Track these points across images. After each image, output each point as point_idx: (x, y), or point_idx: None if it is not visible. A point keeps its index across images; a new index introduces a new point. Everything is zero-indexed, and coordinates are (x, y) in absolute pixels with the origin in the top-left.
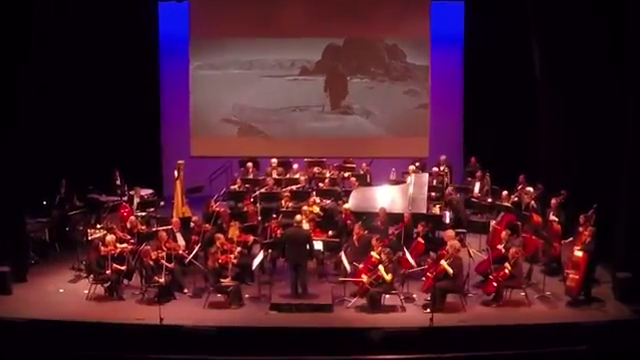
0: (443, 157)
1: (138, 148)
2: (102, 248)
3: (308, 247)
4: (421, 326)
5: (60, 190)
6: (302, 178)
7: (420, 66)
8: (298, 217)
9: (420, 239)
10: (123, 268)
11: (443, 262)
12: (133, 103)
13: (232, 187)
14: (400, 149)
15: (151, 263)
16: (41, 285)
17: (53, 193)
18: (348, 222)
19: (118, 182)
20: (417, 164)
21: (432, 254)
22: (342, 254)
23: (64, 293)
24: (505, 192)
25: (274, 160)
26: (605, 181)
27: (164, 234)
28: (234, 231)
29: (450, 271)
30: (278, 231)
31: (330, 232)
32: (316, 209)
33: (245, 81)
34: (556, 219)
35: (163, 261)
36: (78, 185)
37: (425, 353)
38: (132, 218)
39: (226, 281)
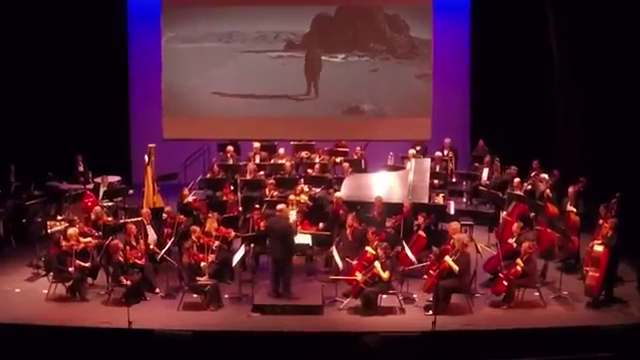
0: (447, 140)
1: (104, 130)
2: (63, 243)
3: (289, 241)
4: (422, 330)
5: (9, 178)
6: (288, 163)
7: (425, 40)
8: (280, 206)
9: (421, 232)
10: (87, 265)
11: (447, 258)
12: (98, 80)
13: (209, 174)
14: (399, 131)
15: (120, 259)
16: None
17: (6, 181)
18: (340, 213)
19: (81, 168)
20: (418, 148)
21: (435, 249)
22: (333, 249)
23: (20, 293)
24: (517, 179)
25: (256, 144)
26: (629, 167)
27: (133, 227)
28: (212, 223)
29: (455, 268)
30: (261, 223)
31: (320, 224)
32: (304, 198)
33: (224, 55)
34: (574, 209)
35: (132, 257)
36: (36, 172)
37: None
38: (97, 209)
39: (203, 279)
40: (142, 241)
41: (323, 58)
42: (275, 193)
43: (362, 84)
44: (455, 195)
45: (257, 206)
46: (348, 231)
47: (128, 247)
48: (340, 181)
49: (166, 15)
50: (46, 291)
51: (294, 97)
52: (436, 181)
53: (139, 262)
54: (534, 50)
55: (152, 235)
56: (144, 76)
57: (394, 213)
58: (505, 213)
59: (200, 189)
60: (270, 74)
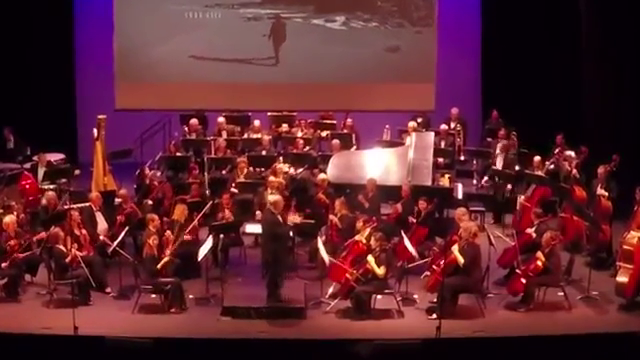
0: (455, 110)
1: (44, 99)
2: None
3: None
4: (424, 337)
5: None
6: (265, 138)
7: None
8: (274, 198)
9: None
10: (22, 255)
11: (454, 248)
12: (37, 39)
13: (171, 150)
14: (397, 100)
15: (64, 250)
16: None
17: None
18: (321, 197)
19: (11, 144)
20: (419, 120)
21: (439, 240)
22: (319, 240)
23: None
24: (537, 157)
25: (221, 119)
26: None
27: (77, 214)
28: (181, 211)
29: (461, 260)
30: (231, 217)
31: (302, 211)
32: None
33: (188, 8)
34: (605, 193)
35: (75, 251)
36: None
37: None
38: (50, 194)
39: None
40: (84, 231)
41: (316, 22)
42: (245, 172)
43: (371, 60)
44: (463, 176)
45: (233, 188)
46: (334, 221)
47: (71, 238)
48: (326, 159)
49: None
50: None
51: (270, 61)
52: (441, 159)
53: (80, 254)
54: (558, 3)
55: (102, 223)
56: (92, 34)
57: (391, 198)
58: (523, 198)
59: (160, 169)
60: (243, 32)
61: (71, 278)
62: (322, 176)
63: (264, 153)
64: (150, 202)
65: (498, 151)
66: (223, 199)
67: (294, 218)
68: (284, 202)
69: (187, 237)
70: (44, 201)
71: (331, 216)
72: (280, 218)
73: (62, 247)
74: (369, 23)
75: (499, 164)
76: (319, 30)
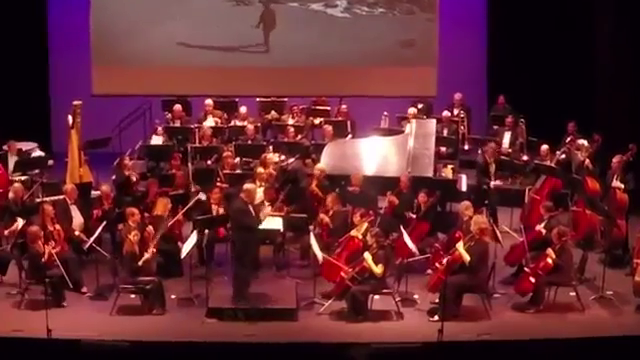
0: (458, 96)
1: (16, 84)
2: None
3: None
4: (425, 341)
5: None
6: (250, 127)
7: None
8: (247, 186)
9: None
10: None
11: (459, 245)
12: (8, 19)
13: (152, 139)
14: (396, 84)
15: (40, 250)
16: None
17: None
18: (313, 190)
19: None
20: (420, 106)
21: (441, 236)
22: (312, 236)
23: None
24: (545, 146)
25: (208, 101)
26: None
27: (50, 208)
28: (165, 205)
29: (467, 258)
30: (220, 208)
31: (293, 204)
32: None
33: None
34: (621, 185)
35: (49, 248)
36: None
37: None
38: (17, 186)
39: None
40: (58, 226)
41: (315, 7)
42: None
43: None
44: (468, 166)
45: (219, 181)
46: (328, 214)
47: (44, 234)
48: (319, 149)
49: None
50: None
51: (259, 48)
52: (443, 148)
53: (53, 251)
54: None
55: (78, 218)
56: (67, 14)
57: (390, 190)
58: (532, 190)
59: (140, 159)
60: (231, 17)
61: (45, 277)
62: (319, 166)
63: (249, 142)
64: (127, 194)
65: (489, 158)
66: (212, 192)
67: (264, 213)
68: (274, 195)
69: (170, 231)
70: (11, 194)
71: (322, 215)
72: (251, 208)
73: (39, 247)
74: (375, 9)
75: (492, 170)
76: (318, 17)
